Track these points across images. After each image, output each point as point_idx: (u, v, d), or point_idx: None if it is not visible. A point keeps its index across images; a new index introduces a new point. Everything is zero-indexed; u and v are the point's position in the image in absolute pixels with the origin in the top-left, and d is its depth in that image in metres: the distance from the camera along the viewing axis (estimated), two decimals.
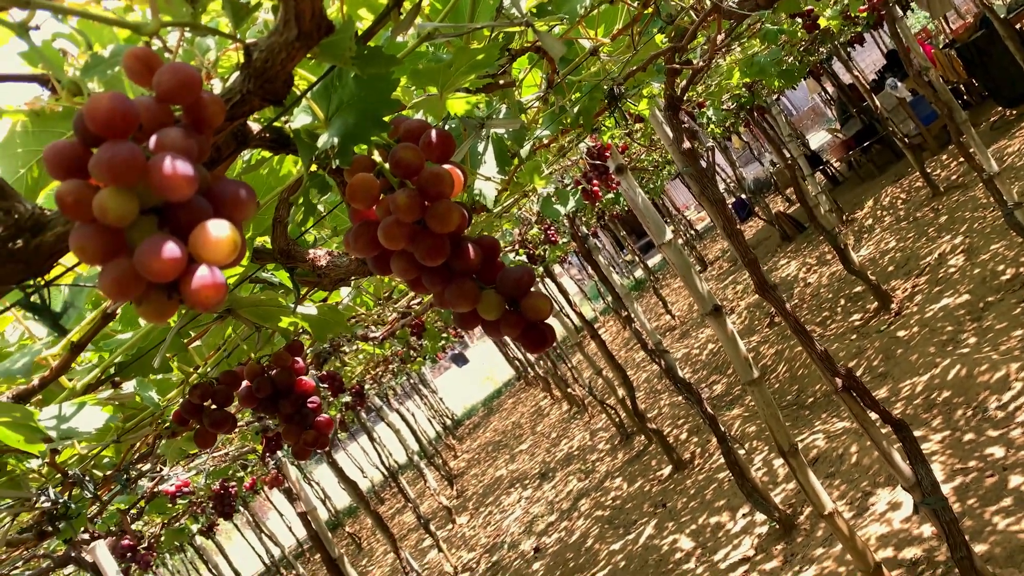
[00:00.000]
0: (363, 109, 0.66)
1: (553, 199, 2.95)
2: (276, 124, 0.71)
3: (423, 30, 0.80)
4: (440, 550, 8.36)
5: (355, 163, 0.68)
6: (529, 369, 16.10)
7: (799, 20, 3.70)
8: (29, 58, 0.61)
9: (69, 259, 0.71)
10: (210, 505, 5.62)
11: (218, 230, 0.45)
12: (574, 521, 7.21)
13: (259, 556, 18.09)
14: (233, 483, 4.35)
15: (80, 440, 1.17)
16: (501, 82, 1.11)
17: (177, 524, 6.33)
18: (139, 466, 2.05)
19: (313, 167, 0.75)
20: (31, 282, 0.57)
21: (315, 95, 0.68)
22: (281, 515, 13.48)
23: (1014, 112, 9.54)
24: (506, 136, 1.29)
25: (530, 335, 0.67)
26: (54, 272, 0.59)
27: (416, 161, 0.67)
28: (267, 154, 0.88)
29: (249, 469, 6.24)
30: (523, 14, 0.93)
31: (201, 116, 0.49)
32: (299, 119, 0.69)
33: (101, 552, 2.59)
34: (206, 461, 3.74)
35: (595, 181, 3.42)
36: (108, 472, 1.61)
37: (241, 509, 13.66)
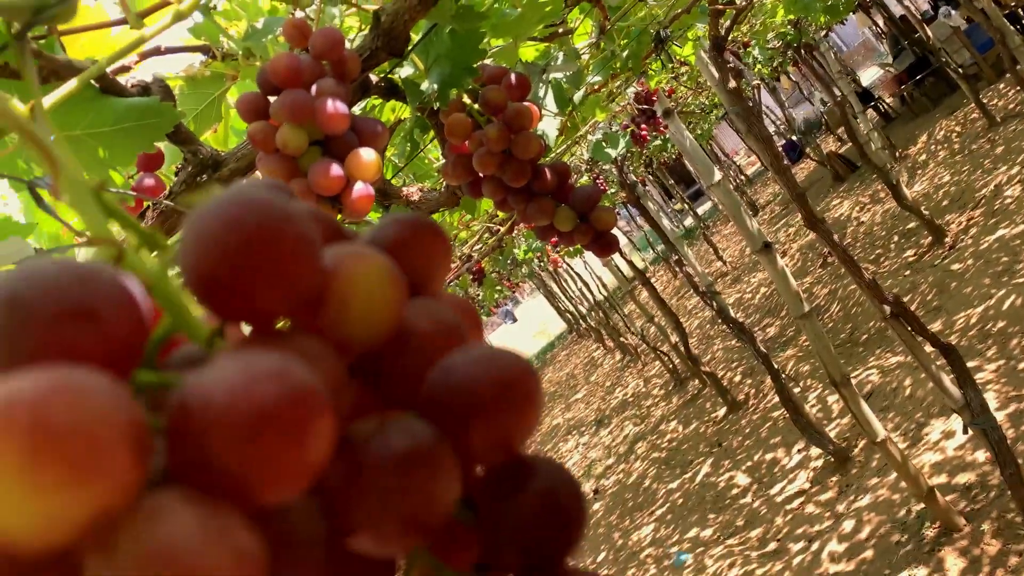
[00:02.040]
0: (456, 59, 0.79)
1: (604, 143, 3.05)
2: (389, 76, 0.85)
3: None
4: None
5: (450, 106, 0.83)
6: (581, 321, 16.23)
7: None
8: (196, 32, 0.75)
9: None
10: None
11: (367, 155, 0.60)
12: (631, 464, 7.39)
13: None
14: None
15: None
16: (561, 31, 1.23)
17: None
18: None
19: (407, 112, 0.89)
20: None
21: (417, 51, 0.82)
22: None
23: None
24: (564, 80, 1.41)
25: (599, 242, 0.81)
26: None
27: (501, 100, 0.81)
28: (377, 102, 1.03)
29: None
30: None
31: (344, 69, 0.63)
32: (405, 70, 0.84)
33: None
34: None
35: (643, 125, 3.51)
36: None
37: None
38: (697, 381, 7.82)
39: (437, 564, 0.18)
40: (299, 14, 0.71)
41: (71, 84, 0.42)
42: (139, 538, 0.13)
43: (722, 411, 6.75)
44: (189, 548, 0.12)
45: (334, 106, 0.58)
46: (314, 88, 0.61)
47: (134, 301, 0.15)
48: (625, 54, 1.68)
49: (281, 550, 0.15)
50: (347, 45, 0.76)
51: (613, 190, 7.29)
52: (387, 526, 0.16)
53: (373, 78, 0.82)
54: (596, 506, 6.98)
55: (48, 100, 0.42)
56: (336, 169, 0.59)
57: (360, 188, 0.59)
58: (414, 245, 0.20)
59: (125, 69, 0.69)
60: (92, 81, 0.59)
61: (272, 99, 0.61)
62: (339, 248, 0.18)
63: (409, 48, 0.79)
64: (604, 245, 0.82)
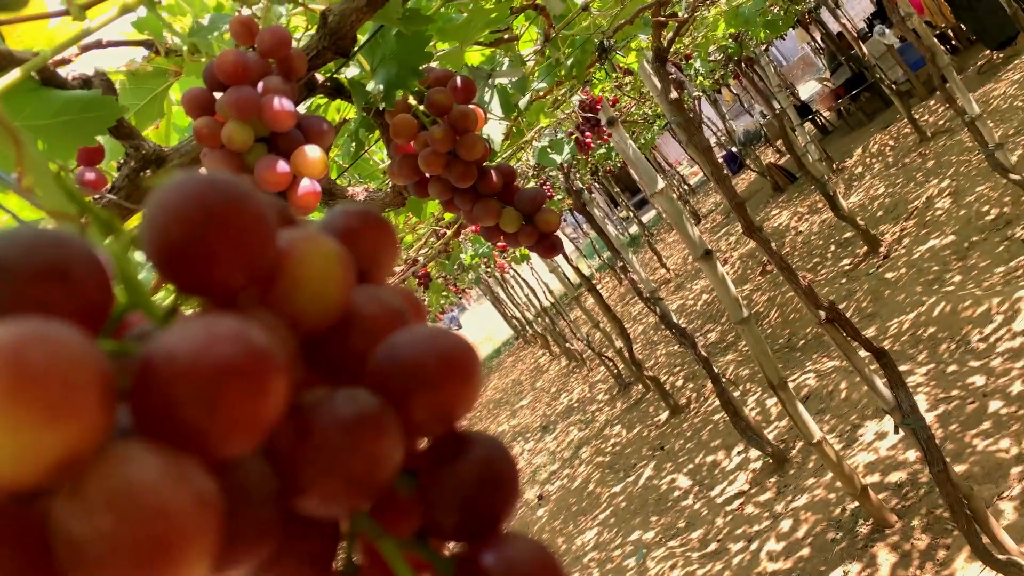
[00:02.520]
0: (402, 61, 0.81)
1: (548, 149, 3.09)
2: (335, 76, 0.86)
3: None
4: None
5: (396, 106, 0.84)
6: (528, 327, 16.28)
7: None
8: (139, 26, 0.75)
9: None
10: None
11: (313, 152, 0.60)
12: (575, 468, 7.44)
13: None
14: None
15: None
16: (506, 36, 1.25)
17: None
18: None
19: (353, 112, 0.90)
20: None
21: (363, 51, 0.83)
22: None
23: (1001, 55, 9.61)
24: (509, 86, 1.43)
25: (544, 243, 0.83)
26: None
27: (447, 102, 0.83)
28: (322, 101, 1.03)
29: None
30: None
31: (290, 67, 0.64)
32: (351, 70, 0.84)
33: None
34: None
35: (587, 133, 3.56)
36: None
37: None
38: (641, 386, 7.93)
39: (379, 531, 0.19)
40: (245, 12, 0.71)
41: (14, 74, 0.42)
42: (106, 479, 0.14)
43: (665, 415, 6.85)
44: (153, 489, 0.13)
45: (280, 103, 0.59)
46: (260, 85, 0.61)
47: (102, 266, 0.16)
48: (570, 62, 1.71)
49: (236, 503, 0.16)
50: (294, 44, 0.76)
51: (560, 196, 7.36)
52: (333, 486, 0.17)
53: (319, 77, 0.82)
54: (540, 512, 7.02)
55: None
56: (282, 165, 0.59)
57: (306, 184, 0.60)
58: (362, 234, 0.21)
59: (64, 62, 0.67)
60: (32, 73, 0.58)
61: (218, 95, 0.62)
62: (292, 231, 0.19)
63: (355, 49, 0.80)
64: (548, 246, 0.84)
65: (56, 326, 0.14)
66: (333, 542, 0.19)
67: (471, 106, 0.82)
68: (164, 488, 0.14)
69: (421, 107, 0.84)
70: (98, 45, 0.70)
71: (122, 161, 0.69)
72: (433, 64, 0.93)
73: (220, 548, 0.15)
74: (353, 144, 0.94)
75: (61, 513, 0.14)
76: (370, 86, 0.81)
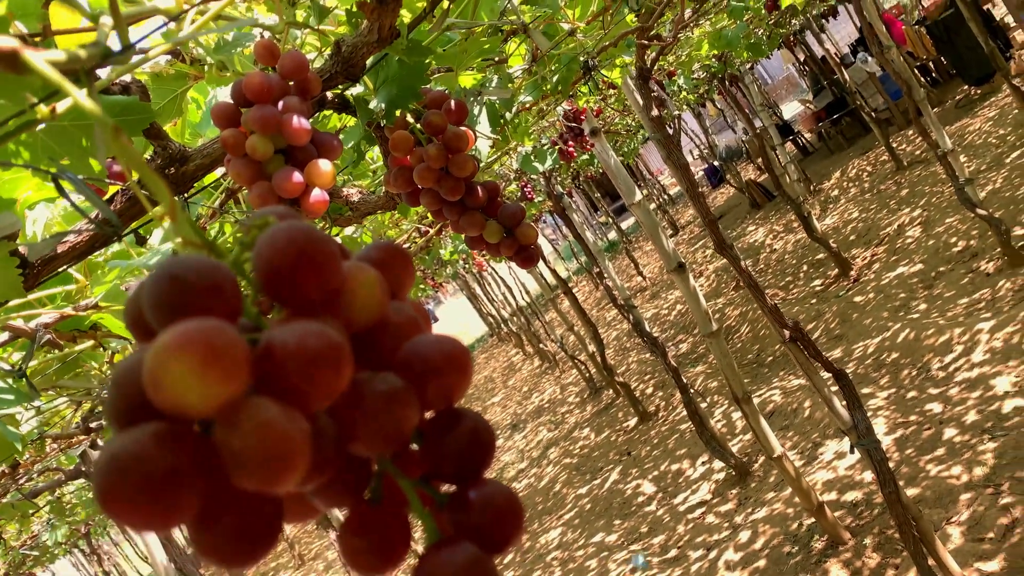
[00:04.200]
0: (402, 83, 0.89)
1: (532, 157, 3.17)
2: (343, 93, 0.93)
3: (445, 23, 1.03)
4: None
5: (395, 123, 0.92)
6: (503, 325, 16.35)
7: None
8: (167, 35, 0.82)
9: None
10: None
11: (325, 166, 0.68)
12: (543, 468, 7.53)
13: None
14: None
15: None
16: (497, 59, 1.34)
17: None
18: None
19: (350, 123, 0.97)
20: (176, 198, 0.80)
21: (368, 73, 0.90)
22: None
23: (978, 91, 9.83)
24: (497, 102, 1.51)
25: (522, 254, 0.92)
26: (191, 192, 0.82)
27: (442, 123, 0.91)
28: (327, 113, 1.11)
29: None
30: (521, 20, 1.17)
31: (307, 88, 0.72)
32: (356, 89, 0.92)
33: None
34: None
35: (570, 142, 3.64)
36: None
37: None
38: (611, 391, 8.04)
39: (398, 472, 0.28)
40: (266, 33, 0.78)
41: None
42: (250, 416, 0.22)
43: (633, 421, 6.96)
44: (277, 423, 0.22)
45: (299, 122, 0.67)
46: (281, 104, 0.69)
47: (237, 284, 0.24)
48: (555, 78, 1.80)
49: (315, 442, 0.24)
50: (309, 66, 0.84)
51: (540, 199, 7.43)
52: (372, 437, 0.25)
53: (328, 94, 0.90)
54: None
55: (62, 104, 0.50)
56: (298, 176, 0.68)
57: (317, 193, 0.68)
58: (391, 264, 0.29)
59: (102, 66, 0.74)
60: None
61: (244, 110, 0.69)
62: (348, 263, 0.27)
63: (363, 70, 0.88)
64: (526, 258, 0.92)
65: (219, 323, 0.22)
66: (367, 477, 0.27)
67: (463, 128, 0.91)
68: (283, 424, 0.22)
69: (418, 125, 0.92)
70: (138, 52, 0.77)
71: (149, 158, 0.76)
72: (429, 86, 1.01)
73: (312, 470, 0.23)
74: (355, 154, 1.02)
75: (224, 435, 0.22)
76: (373, 104, 0.89)
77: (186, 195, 0.83)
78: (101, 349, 1.20)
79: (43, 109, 0.46)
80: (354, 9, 0.81)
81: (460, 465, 0.29)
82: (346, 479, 0.27)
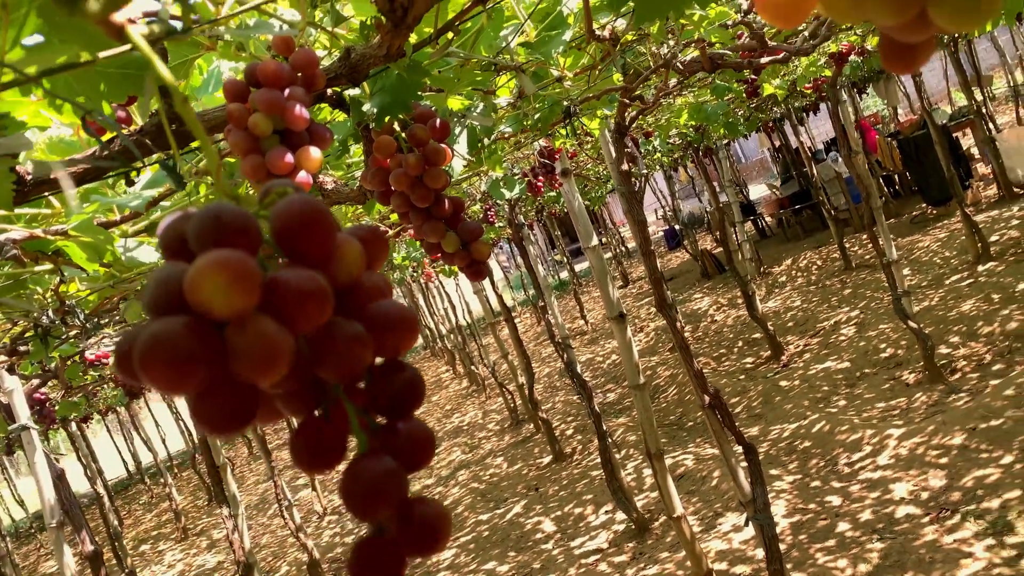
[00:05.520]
0: (397, 94, 0.97)
1: (500, 183, 3.27)
2: (342, 93, 1.01)
3: (446, 51, 1.12)
4: (314, 489, 8.59)
5: (383, 128, 1.00)
6: (438, 340, 16.33)
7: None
8: (203, 13, 0.89)
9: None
10: (114, 386, 5.71)
11: (315, 152, 0.76)
12: (449, 488, 7.56)
13: (124, 461, 17.87)
14: None
15: (83, 279, 1.44)
16: (486, 90, 1.43)
17: (79, 395, 6.43)
18: (102, 320, 2.27)
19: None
20: (172, 152, 0.86)
21: (368, 79, 0.98)
22: (157, 425, 13.38)
23: (935, 211, 10.27)
24: (478, 127, 1.60)
25: (473, 267, 1.00)
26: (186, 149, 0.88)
27: (425, 137, 0.99)
28: (322, 106, 1.18)
29: None
30: (515, 62, 1.27)
31: (312, 82, 0.80)
32: (354, 91, 1.00)
33: (18, 396, 2.79)
34: None
35: (540, 177, 3.75)
36: (86, 312, 1.85)
37: (119, 408, 13.55)
38: (532, 425, 8.12)
39: (347, 399, 0.35)
40: (285, 26, 0.86)
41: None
42: (254, 324, 0.30)
43: (548, 459, 7.04)
44: (274, 333, 0.30)
45: (300, 110, 0.74)
46: (287, 92, 0.76)
47: (258, 227, 0.32)
48: (537, 116, 1.90)
49: (296, 356, 0.32)
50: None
51: (501, 224, 7.53)
52: (337, 366, 0.33)
53: (328, 91, 0.98)
54: None
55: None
56: (289, 157, 0.75)
57: (303, 175, 0.75)
58: (372, 242, 0.37)
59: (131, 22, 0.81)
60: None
61: (253, 90, 0.77)
62: (340, 234, 0.35)
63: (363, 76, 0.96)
64: (476, 272, 1.01)
65: (245, 255, 0.30)
66: (322, 397, 0.35)
67: (443, 145, 0.99)
68: (276, 336, 0.30)
69: (403, 134, 1.00)
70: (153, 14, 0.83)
71: (154, 112, 0.82)
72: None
73: (288, 377, 0.31)
74: (340, 147, 1.09)
75: (233, 335, 0.30)
76: (366, 107, 0.97)
77: (182, 150, 0.89)
78: (58, 276, 1.23)
79: (87, 56, 0.52)
80: (369, 23, 0.89)
81: (396, 403, 0.37)
82: (307, 394, 0.35)
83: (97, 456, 9.79)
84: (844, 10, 0.27)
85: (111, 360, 4.16)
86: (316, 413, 0.36)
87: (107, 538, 8.13)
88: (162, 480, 11.58)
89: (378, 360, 0.37)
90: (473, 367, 12.16)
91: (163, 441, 13.45)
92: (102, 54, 0.56)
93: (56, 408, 5.56)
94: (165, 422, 14.48)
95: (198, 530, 10.48)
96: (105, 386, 7.21)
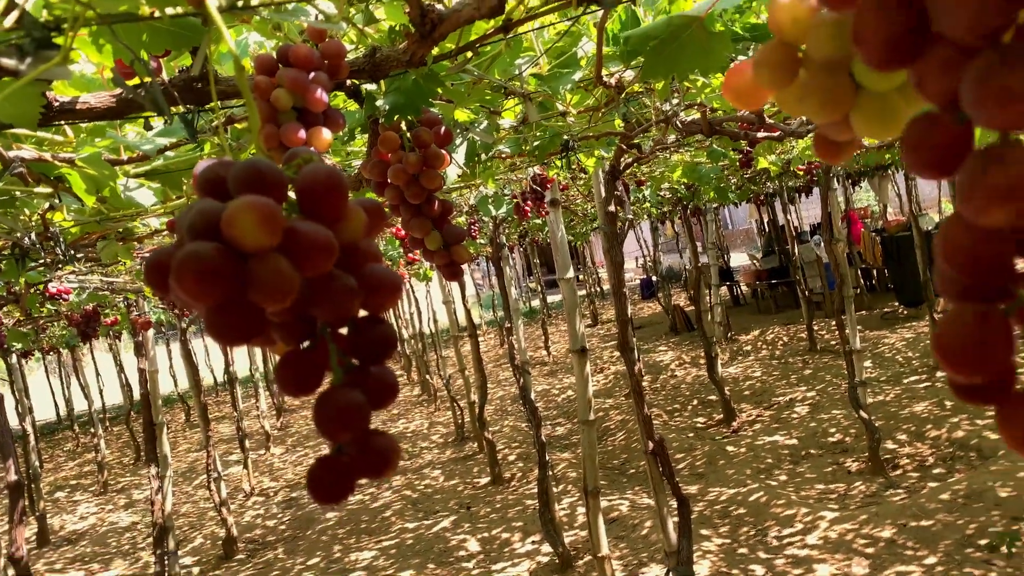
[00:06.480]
0: (410, 97, 1.04)
1: (489, 200, 3.35)
2: (360, 86, 1.08)
3: (463, 68, 1.20)
4: (245, 468, 8.52)
5: (391, 124, 1.06)
6: (398, 344, 16.24)
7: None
8: None
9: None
10: (66, 324, 5.66)
11: (327, 134, 0.82)
12: (381, 490, 7.55)
13: (56, 405, 17.51)
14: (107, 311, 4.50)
15: (72, 210, 1.48)
16: (492, 109, 1.51)
17: (31, 327, 6.35)
18: (77, 254, 2.29)
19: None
20: (194, 107, 0.91)
21: (386, 78, 1.05)
22: (98, 374, 13.16)
23: (906, 311, 10.49)
24: (479, 142, 1.69)
25: (450, 268, 1.06)
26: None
27: (428, 140, 1.07)
28: (338, 93, 1.25)
29: (118, 306, 6.27)
30: (524, 89, 1.35)
31: (336, 71, 0.86)
32: (371, 86, 1.07)
33: None
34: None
35: (529, 202, 3.83)
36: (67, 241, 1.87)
37: (63, 350, 13.32)
38: (476, 444, 8.14)
39: (331, 339, 0.41)
40: (320, 16, 0.93)
41: None
42: (272, 260, 0.36)
43: (486, 480, 7.07)
44: (286, 270, 0.36)
45: (321, 94, 0.81)
46: (312, 75, 0.83)
47: (285, 181, 0.38)
48: (535, 143, 1.98)
49: (298, 292, 0.38)
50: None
51: (483, 241, 7.60)
52: (329, 308, 0.39)
53: (348, 81, 1.04)
54: (330, 515, 7.07)
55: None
56: (302, 133, 0.81)
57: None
58: (374, 214, 0.43)
59: None
60: None
61: (282, 67, 0.83)
62: (350, 202, 0.41)
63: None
64: (453, 272, 1.07)
65: (274, 202, 0.36)
66: (310, 333, 0.41)
67: (443, 151, 1.07)
68: (287, 272, 0.36)
69: (408, 134, 1.07)
70: None
71: (183, 69, 0.88)
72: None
73: (289, 309, 0.37)
74: (347, 135, 1.16)
75: (255, 264, 0.36)
76: (379, 102, 1.04)
77: (198, 108, 0.95)
78: (50, 201, 1.27)
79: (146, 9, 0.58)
80: (398, 28, 0.96)
81: (371, 350, 0.44)
82: (299, 328, 0.41)
83: (30, 393, 9.63)
84: (790, 104, 0.34)
85: (71, 296, 4.14)
86: (303, 346, 0.42)
87: (25, 477, 7.99)
88: (92, 430, 11.36)
89: (362, 313, 0.43)
90: (428, 376, 12.15)
91: (100, 392, 13.24)
92: (168, 11, 0.62)
93: (6, 334, 5.50)
94: (107, 373, 14.24)
95: (119, 487, 10.33)
96: (56, 324, 7.13)
